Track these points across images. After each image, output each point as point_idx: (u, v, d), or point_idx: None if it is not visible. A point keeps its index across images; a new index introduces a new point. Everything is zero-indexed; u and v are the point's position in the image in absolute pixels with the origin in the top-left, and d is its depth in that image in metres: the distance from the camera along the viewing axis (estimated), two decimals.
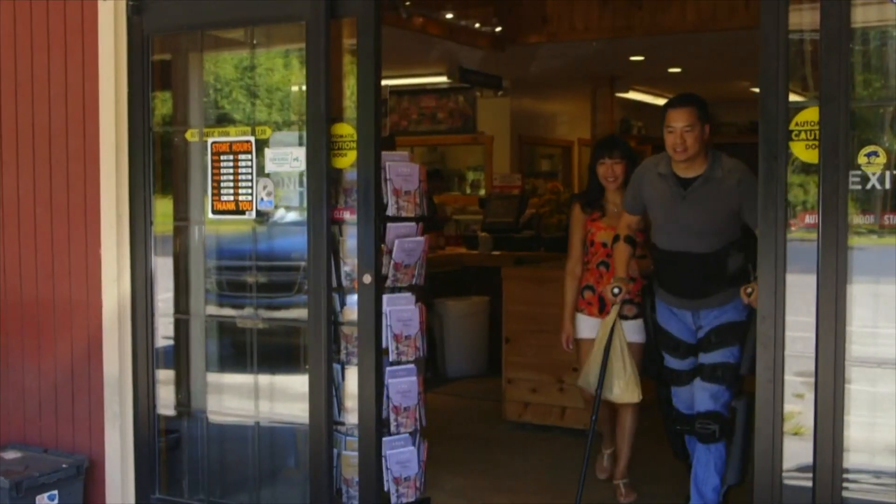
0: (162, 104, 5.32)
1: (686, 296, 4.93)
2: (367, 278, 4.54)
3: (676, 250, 4.90)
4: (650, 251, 5.21)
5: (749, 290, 4.50)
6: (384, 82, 4.66)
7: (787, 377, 3.83)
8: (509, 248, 9.49)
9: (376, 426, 4.59)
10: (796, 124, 3.79)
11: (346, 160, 4.63)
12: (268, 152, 4.81)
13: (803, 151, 3.79)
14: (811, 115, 3.78)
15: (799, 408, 3.88)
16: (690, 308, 4.95)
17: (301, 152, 4.69)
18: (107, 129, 5.06)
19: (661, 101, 15.02)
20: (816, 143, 3.74)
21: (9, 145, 5.36)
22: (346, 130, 4.61)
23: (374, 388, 4.59)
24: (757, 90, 3.95)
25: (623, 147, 5.72)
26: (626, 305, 5.32)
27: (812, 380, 3.75)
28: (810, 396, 3.77)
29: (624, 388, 5.17)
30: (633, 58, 10.81)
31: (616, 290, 5.10)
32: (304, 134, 4.66)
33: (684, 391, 5.07)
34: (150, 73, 5.05)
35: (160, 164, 5.20)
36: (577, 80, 12.43)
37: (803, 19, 3.81)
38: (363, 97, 4.54)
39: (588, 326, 5.68)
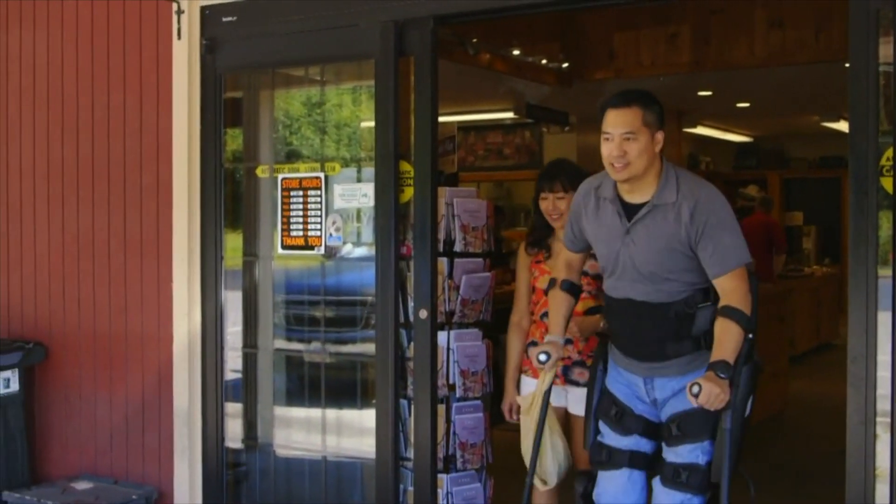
0: (232, 140, 5.40)
1: (636, 356, 3.76)
2: (423, 313, 4.55)
3: (623, 297, 3.74)
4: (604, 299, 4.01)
5: (695, 387, 3.38)
6: (452, 118, 4.69)
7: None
8: None
9: (431, 462, 4.58)
10: (887, 160, 3.70)
11: (405, 196, 4.66)
12: (336, 188, 4.86)
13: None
14: None
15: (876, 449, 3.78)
16: (642, 373, 3.77)
17: (370, 188, 4.72)
18: (179, 165, 5.14)
19: (729, 137, 14.95)
20: None
21: (85, 181, 5.48)
22: (405, 167, 4.65)
23: (430, 424, 4.58)
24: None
25: (568, 176, 4.41)
26: (577, 369, 4.38)
27: (887, 420, 3.66)
28: (886, 437, 3.68)
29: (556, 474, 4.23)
30: (700, 93, 10.73)
31: (542, 358, 3.85)
32: (373, 170, 4.70)
33: (616, 479, 3.83)
34: (221, 111, 5.14)
35: (231, 200, 5.27)
36: None
37: (891, 52, 3.72)
38: (420, 135, 4.58)
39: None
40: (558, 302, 4.01)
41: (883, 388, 3.69)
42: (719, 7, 7.98)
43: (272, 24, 4.94)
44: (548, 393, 3.97)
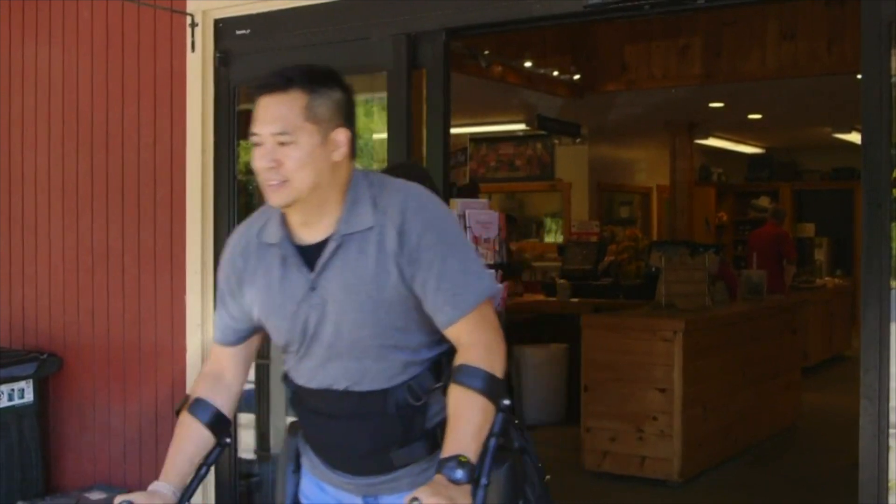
0: (246, 152, 5.43)
1: (348, 471, 2.53)
2: None
3: (318, 388, 2.49)
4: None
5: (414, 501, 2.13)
6: (464, 130, 4.71)
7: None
8: (588, 295, 9.45)
9: None
10: None
11: None
12: None
13: None
14: None
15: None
16: (360, 492, 2.56)
17: None
18: (193, 178, 5.17)
19: (741, 148, 14.96)
20: None
21: (99, 194, 5.51)
22: None
23: None
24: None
25: (418, 179, 3.01)
26: None
27: None
28: None
29: None
30: (712, 104, 10.76)
31: None
32: None
33: None
34: (235, 123, 5.17)
35: (244, 212, 5.29)
36: (655, 127, 12.41)
37: None
38: (432, 147, 4.59)
39: None
40: (183, 435, 2.55)
41: (895, 400, 3.68)
42: (731, 19, 8.00)
43: (285, 37, 4.97)
44: None
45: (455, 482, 2.17)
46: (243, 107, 5.29)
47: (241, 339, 2.59)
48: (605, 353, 6.91)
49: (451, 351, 2.39)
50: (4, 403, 5.32)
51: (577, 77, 8.95)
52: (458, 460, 2.20)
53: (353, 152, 2.44)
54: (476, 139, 12.74)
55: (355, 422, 2.46)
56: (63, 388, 5.65)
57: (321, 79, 2.41)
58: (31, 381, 5.42)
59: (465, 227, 4.71)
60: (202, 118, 5.15)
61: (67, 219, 5.64)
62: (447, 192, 4.61)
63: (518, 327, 8.50)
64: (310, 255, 2.40)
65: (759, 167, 15.90)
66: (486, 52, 7.66)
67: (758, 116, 11.88)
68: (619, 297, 9.45)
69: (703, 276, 7.62)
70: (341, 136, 2.37)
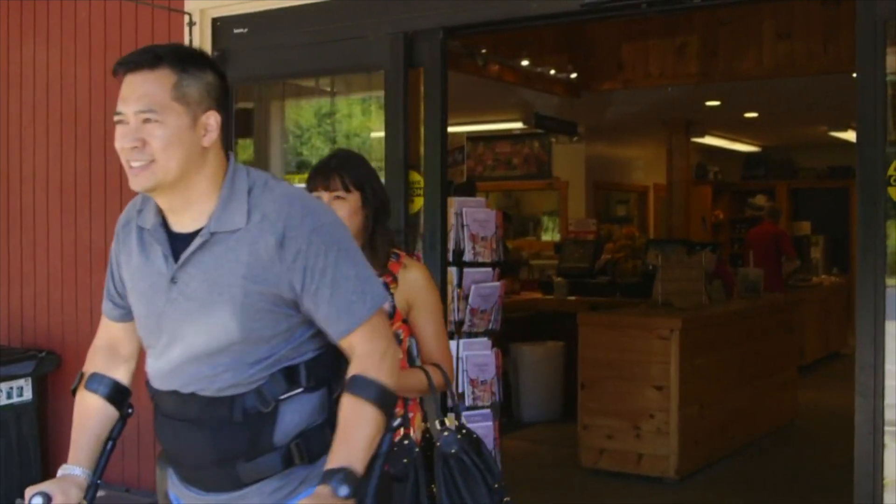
0: (243, 151, 5.44)
1: (196, 484, 2.35)
2: None
3: (168, 390, 2.30)
4: None
5: None
6: (461, 129, 4.73)
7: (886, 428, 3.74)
8: (584, 293, 9.46)
9: None
10: (894, 169, 3.72)
11: (414, 206, 4.69)
12: None
13: None
14: None
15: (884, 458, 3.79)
16: None
17: None
18: None
19: (737, 147, 14.99)
20: None
21: (98, 193, 5.52)
22: (415, 178, 4.68)
23: None
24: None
25: (353, 170, 3.14)
26: None
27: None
28: (893, 446, 3.69)
29: None
30: (709, 103, 10.77)
31: (36, 502, 2.25)
32: (382, 180, 4.73)
33: None
34: (232, 121, 5.17)
35: None
36: (652, 126, 12.43)
37: None
38: (430, 146, 4.62)
39: None
40: (84, 412, 2.45)
41: (890, 398, 3.70)
42: (727, 18, 8.01)
43: (283, 36, 4.99)
44: None
45: (342, 497, 2.06)
46: (241, 105, 5.30)
47: (122, 316, 2.45)
48: (602, 351, 6.92)
49: (312, 360, 2.27)
50: (3, 401, 5.33)
51: (574, 76, 8.96)
52: (346, 473, 2.09)
53: (228, 141, 2.32)
54: (473, 138, 12.75)
55: (200, 428, 2.26)
56: (61, 386, 5.66)
57: (192, 59, 2.23)
58: (29, 379, 5.44)
59: (463, 226, 4.73)
60: None
61: (66, 217, 5.65)
62: (444, 190, 4.62)
63: (515, 325, 8.52)
64: (180, 244, 2.25)
65: (756, 165, 15.92)
66: (484, 51, 7.68)
67: (754, 115, 11.89)
68: (616, 296, 9.46)
69: (699, 275, 7.64)
70: (212, 119, 2.20)
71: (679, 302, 7.35)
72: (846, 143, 12.32)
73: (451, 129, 4.73)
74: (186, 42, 5.13)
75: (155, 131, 2.14)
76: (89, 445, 2.42)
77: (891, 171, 3.72)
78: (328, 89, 5.22)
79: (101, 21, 5.50)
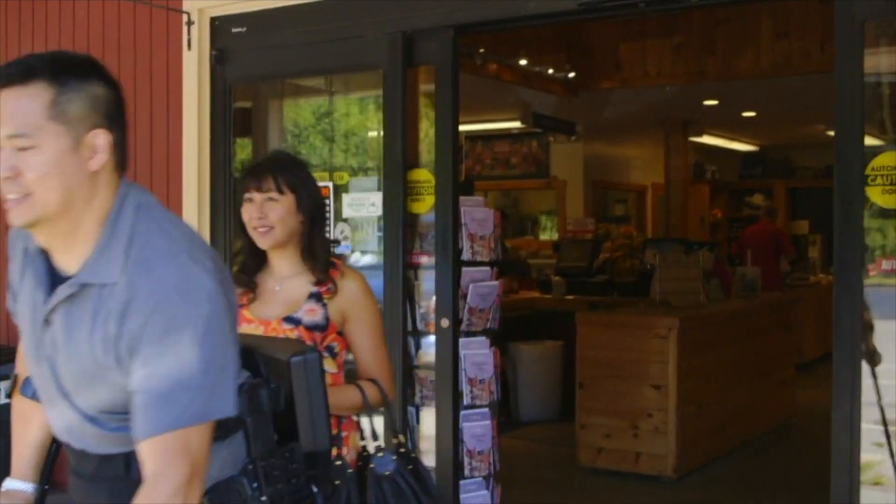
0: (241, 150, 5.44)
1: None
2: (445, 322, 4.57)
3: (66, 443, 2.08)
4: None
5: None
6: (459, 128, 4.72)
7: (868, 426, 3.76)
8: (583, 292, 9.46)
9: (454, 471, 4.59)
10: (872, 169, 3.75)
11: (424, 205, 4.69)
12: (345, 197, 4.90)
13: (880, 196, 3.75)
14: (887, 159, 3.73)
15: (879, 457, 3.81)
16: None
17: (378, 197, 4.76)
18: (189, 175, 5.19)
19: (735, 146, 15.01)
20: (893, 187, 3.69)
21: None
22: (423, 176, 4.68)
23: (452, 433, 4.59)
24: (832, 133, 3.93)
25: (287, 171, 2.97)
26: None
27: (873, 426, 3.69)
28: (868, 444, 3.71)
29: None
30: (706, 102, 10.78)
31: None
32: (381, 179, 4.74)
33: None
34: (231, 121, 5.19)
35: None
36: (650, 125, 12.43)
37: (880, 62, 3.78)
38: (441, 144, 4.60)
39: None
40: (22, 419, 2.26)
41: (890, 397, 3.71)
42: (725, 17, 8.02)
43: (281, 35, 4.99)
44: None
45: None
46: (239, 104, 5.31)
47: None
48: (600, 351, 6.93)
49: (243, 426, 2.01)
50: (2, 400, 5.34)
51: (571, 75, 8.97)
52: None
53: (123, 164, 1.94)
54: (471, 137, 12.76)
55: (98, 486, 2.04)
56: None
57: (74, 68, 1.86)
58: None
59: (461, 224, 4.73)
60: (198, 116, 5.17)
61: None
62: (456, 188, 4.59)
63: (513, 324, 8.52)
64: (57, 282, 1.92)
65: (753, 165, 15.93)
66: (482, 50, 7.68)
67: (752, 114, 11.91)
68: (614, 295, 9.46)
69: (697, 274, 7.64)
70: (100, 139, 1.85)
71: (677, 301, 7.36)
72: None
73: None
74: (185, 41, 5.14)
75: (30, 159, 1.80)
76: (32, 455, 2.24)
77: (867, 171, 3.74)
78: (326, 88, 5.23)
79: (100, 20, 5.50)
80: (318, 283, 2.94)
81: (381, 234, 4.77)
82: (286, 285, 2.99)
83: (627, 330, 6.72)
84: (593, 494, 6.50)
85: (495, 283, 4.87)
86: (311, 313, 2.92)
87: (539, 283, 10.25)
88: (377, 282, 4.74)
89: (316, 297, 2.93)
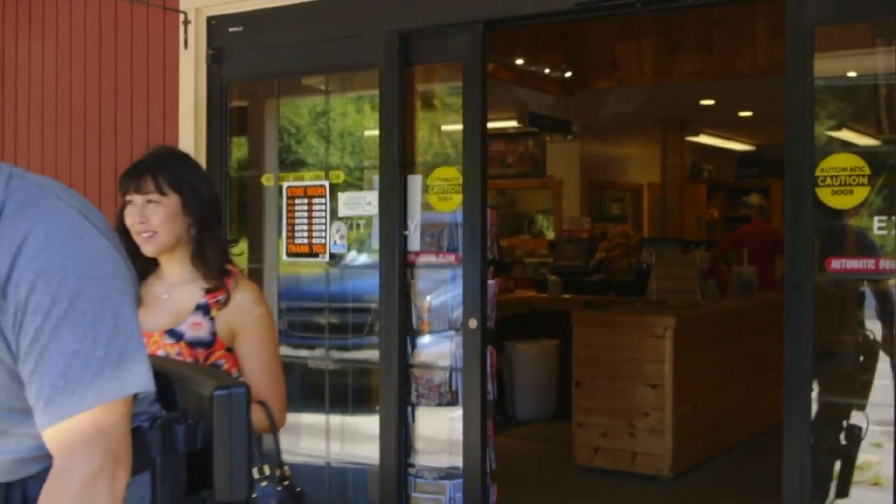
0: (238, 149, 5.44)
1: None
2: (473, 323, 4.52)
3: None
4: None
5: None
6: (452, 128, 4.73)
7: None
8: (579, 291, 9.47)
9: (481, 471, 4.56)
10: (822, 170, 3.76)
11: (451, 204, 4.65)
12: (341, 196, 4.91)
13: (829, 197, 3.76)
14: (837, 161, 3.77)
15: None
16: None
17: (374, 196, 4.76)
18: None
19: (732, 146, 15.02)
20: (842, 188, 3.72)
21: (92, 190, 5.52)
22: (451, 174, 4.65)
23: (480, 436, 4.54)
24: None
25: (173, 169, 2.74)
26: None
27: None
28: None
29: None
30: (703, 102, 10.79)
31: None
32: (377, 178, 4.74)
33: None
34: (227, 120, 5.19)
35: (236, 208, 5.32)
36: (646, 125, 12.43)
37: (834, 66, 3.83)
38: (469, 142, 4.54)
39: None
40: None
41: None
42: (722, 17, 8.03)
43: (278, 35, 4.99)
44: None
45: None
46: (235, 104, 5.31)
47: None
48: (597, 350, 6.93)
49: None
50: None
51: (568, 74, 8.98)
52: None
53: None
54: None
55: None
56: None
57: None
58: None
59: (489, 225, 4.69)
60: (195, 115, 5.17)
61: None
62: (485, 187, 4.54)
63: (509, 323, 8.53)
64: None
65: (750, 164, 15.93)
66: None
67: (748, 114, 11.91)
68: (611, 294, 9.47)
69: (693, 273, 7.65)
70: None
71: (673, 300, 7.36)
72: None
73: (444, 128, 4.73)
74: (181, 40, 5.14)
75: None
76: None
77: (817, 172, 3.76)
78: (323, 88, 5.24)
79: (97, 20, 5.50)
80: (208, 291, 2.71)
81: (376, 232, 4.77)
82: (175, 293, 2.74)
83: (624, 329, 6.72)
84: (590, 493, 6.50)
85: (492, 282, 4.87)
86: (195, 327, 2.67)
87: (535, 282, 10.26)
88: (373, 280, 4.74)
89: (203, 308, 2.69)
